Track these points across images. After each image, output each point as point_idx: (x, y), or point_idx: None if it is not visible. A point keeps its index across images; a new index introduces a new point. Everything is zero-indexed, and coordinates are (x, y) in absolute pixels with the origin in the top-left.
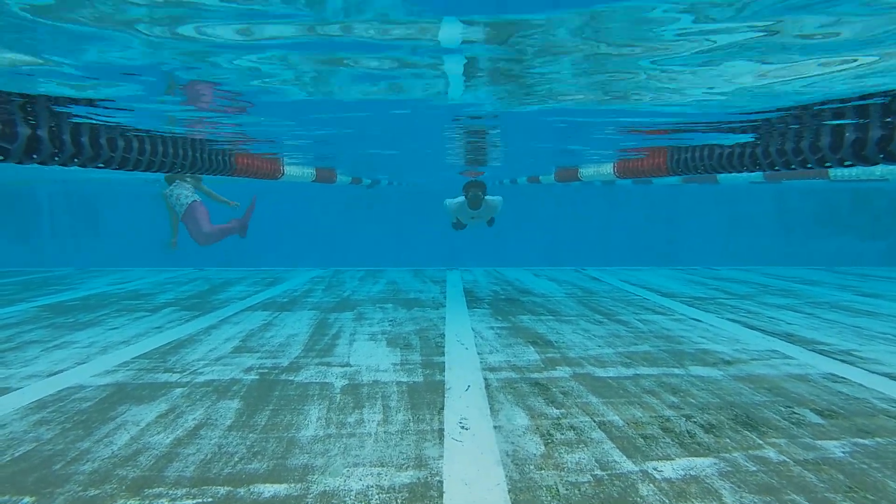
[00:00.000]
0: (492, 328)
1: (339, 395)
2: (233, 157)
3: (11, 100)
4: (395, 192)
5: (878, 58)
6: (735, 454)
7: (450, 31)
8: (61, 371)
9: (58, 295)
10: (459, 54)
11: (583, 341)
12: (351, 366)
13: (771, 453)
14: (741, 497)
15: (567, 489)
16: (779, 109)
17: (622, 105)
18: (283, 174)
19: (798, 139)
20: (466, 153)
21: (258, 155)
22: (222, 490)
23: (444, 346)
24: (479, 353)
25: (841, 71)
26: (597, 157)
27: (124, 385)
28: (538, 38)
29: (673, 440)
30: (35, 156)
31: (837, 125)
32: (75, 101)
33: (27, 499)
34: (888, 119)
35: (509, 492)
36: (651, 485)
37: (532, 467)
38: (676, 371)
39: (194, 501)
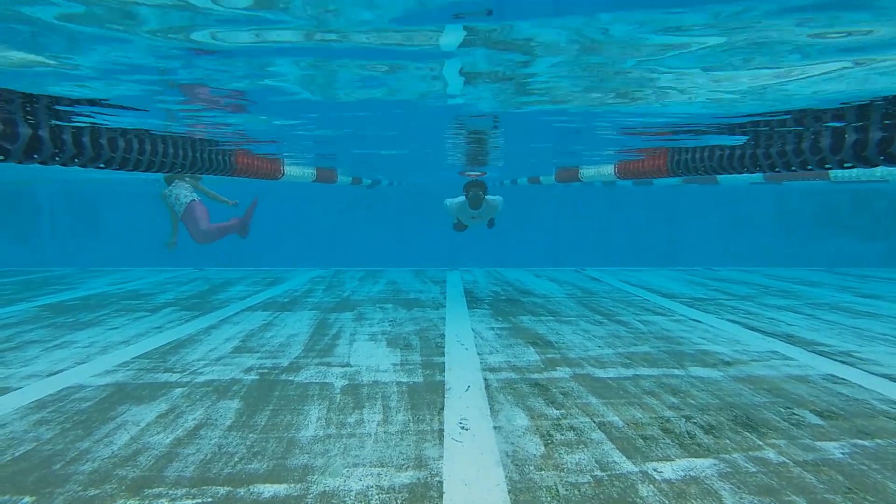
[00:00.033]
0: (492, 329)
1: (339, 396)
2: (233, 157)
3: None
4: (395, 193)
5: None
6: (735, 455)
7: (449, 37)
8: (61, 371)
9: (58, 295)
10: (457, 58)
11: (583, 342)
12: (351, 366)
13: (771, 454)
14: (741, 498)
15: (567, 490)
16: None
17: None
18: (283, 174)
19: (798, 140)
20: (467, 153)
21: (258, 155)
22: (222, 490)
23: (444, 347)
24: (479, 354)
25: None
26: (598, 158)
27: (124, 385)
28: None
29: (673, 441)
30: (37, 155)
31: (838, 127)
32: (79, 103)
33: (27, 498)
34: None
35: (509, 492)
36: (651, 486)
37: (532, 468)
38: (676, 372)
39: (194, 501)
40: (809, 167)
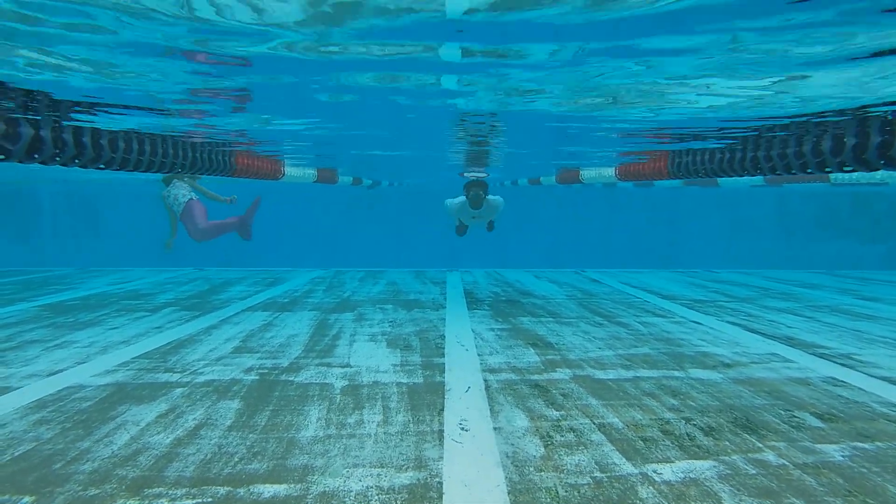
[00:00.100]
0: (492, 330)
1: (339, 396)
2: (233, 158)
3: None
4: (395, 193)
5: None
6: (734, 457)
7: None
8: (61, 371)
9: (58, 295)
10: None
11: (583, 343)
12: (351, 366)
13: (770, 456)
14: (740, 500)
15: (566, 491)
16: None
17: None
18: (283, 175)
19: (799, 143)
20: (467, 154)
21: (259, 155)
22: (222, 490)
23: (444, 348)
24: (479, 355)
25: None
26: (598, 160)
27: (124, 385)
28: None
29: (672, 443)
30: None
31: (838, 130)
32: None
33: (27, 498)
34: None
35: (509, 493)
36: (650, 487)
37: (532, 469)
38: (676, 374)
39: (194, 501)
40: (809, 170)
